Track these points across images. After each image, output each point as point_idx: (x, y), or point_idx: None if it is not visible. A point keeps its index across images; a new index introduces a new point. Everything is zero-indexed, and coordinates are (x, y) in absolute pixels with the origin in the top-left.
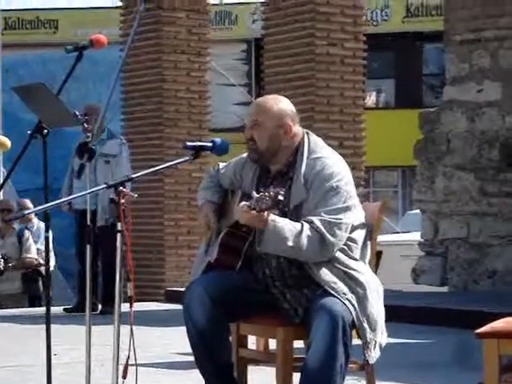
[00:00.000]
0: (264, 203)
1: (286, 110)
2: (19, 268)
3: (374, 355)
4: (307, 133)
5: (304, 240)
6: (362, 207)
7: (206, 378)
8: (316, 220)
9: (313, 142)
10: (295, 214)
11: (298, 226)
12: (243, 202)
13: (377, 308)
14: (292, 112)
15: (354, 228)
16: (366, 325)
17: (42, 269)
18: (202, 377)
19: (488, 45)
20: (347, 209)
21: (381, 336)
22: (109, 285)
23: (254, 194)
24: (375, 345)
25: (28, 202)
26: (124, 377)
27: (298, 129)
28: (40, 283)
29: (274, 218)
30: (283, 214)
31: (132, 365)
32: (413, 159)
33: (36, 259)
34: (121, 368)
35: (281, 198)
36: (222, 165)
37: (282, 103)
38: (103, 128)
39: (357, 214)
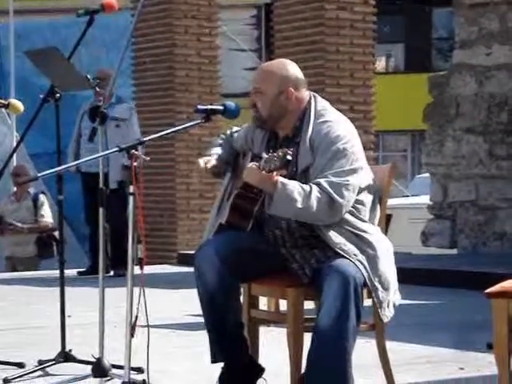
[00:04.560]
0: (272, 163)
1: (288, 76)
2: (34, 231)
3: (388, 314)
4: (314, 96)
5: (313, 202)
6: (371, 170)
7: (214, 339)
8: (324, 182)
9: (319, 106)
10: (303, 178)
11: (306, 188)
12: (252, 163)
13: (388, 267)
14: (295, 77)
15: (361, 190)
16: (378, 284)
17: (56, 233)
18: (208, 339)
19: (497, 8)
20: (354, 171)
21: (393, 295)
22: (117, 247)
23: (264, 155)
24: (388, 304)
25: None
26: (132, 335)
27: (303, 93)
28: (54, 247)
29: (282, 181)
30: (292, 178)
31: (144, 326)
32: (422, 123)
33: (51, 223)
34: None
35: (289, 157)
36: (235, 128)
37: (285, 69)
38: (112, 93)
39: (364, 176)
